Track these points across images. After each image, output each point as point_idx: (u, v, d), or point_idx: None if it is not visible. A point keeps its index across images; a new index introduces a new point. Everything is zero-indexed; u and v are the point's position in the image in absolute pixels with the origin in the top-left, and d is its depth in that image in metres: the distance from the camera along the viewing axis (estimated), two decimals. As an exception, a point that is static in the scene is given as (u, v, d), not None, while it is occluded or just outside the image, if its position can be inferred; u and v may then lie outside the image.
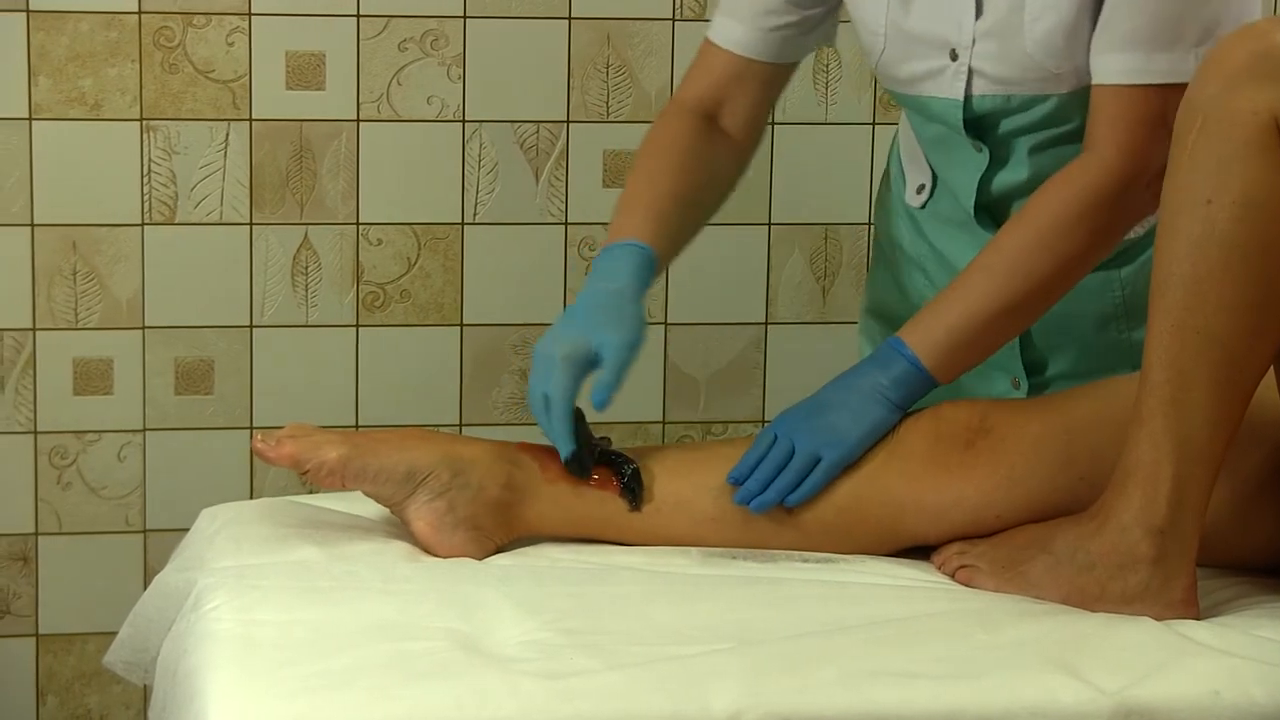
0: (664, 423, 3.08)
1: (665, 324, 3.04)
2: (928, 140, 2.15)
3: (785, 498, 1.90)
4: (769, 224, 3.05)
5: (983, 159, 2.08)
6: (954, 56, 2.03)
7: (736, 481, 1.91)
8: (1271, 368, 1.80)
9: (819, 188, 3.04)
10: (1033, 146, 2.07)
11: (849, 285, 3.08)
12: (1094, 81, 1.97)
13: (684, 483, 1.93)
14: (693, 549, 1.92)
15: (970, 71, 2.03)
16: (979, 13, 2.01)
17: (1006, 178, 2.09)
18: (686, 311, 3.04)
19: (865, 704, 1.60)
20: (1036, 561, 1.83)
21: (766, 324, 3.08)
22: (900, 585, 1.85)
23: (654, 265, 2.02)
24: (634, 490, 1.91)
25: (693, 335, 3.06)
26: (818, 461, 1.90)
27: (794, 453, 1.90)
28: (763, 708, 1.58)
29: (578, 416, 1.93)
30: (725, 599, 1.79)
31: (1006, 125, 2.06)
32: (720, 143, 2.14)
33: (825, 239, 3.07)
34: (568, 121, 2.98)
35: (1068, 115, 2.03)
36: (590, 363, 1.93)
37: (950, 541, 1.91)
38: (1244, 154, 1.71)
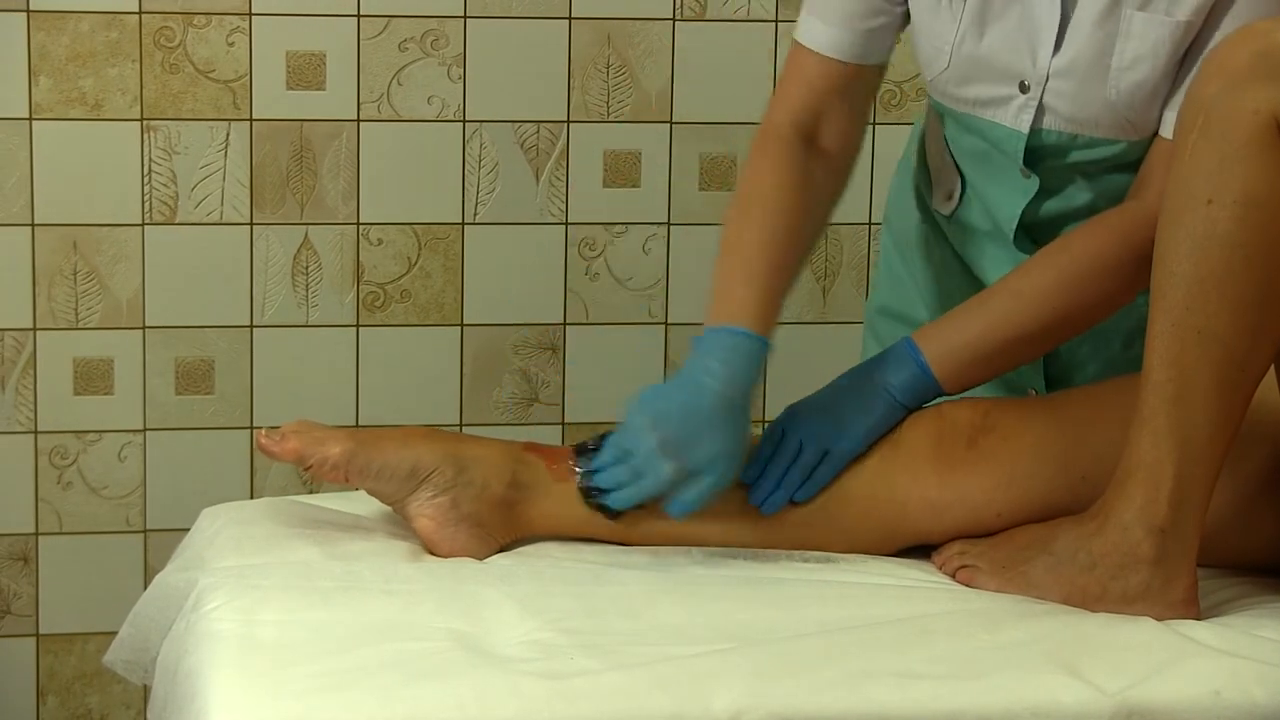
0: (664, 423, 3.07)
1: (666, 324, 3.04)
2: (966, 153, 2.08)
3: (794, 494, 1.90)
4: (769, 224, 3.05)
5: (1031, 185, 2.03)
6: (1024, 89, 1.97)
7: (750, 481, 1.91)
8: (1273, 367, 1.80)
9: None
10: (1092, 179, 2.02)
11: (849, 285, 3.08)
12: (1161, 132, 1.92)
13: (685, 482, 1.93)
14: (694, 549, 1.91)
15: (1041, 106, 1.97)
16: (1058, 47, 1.94)
17: (1057, 205, 2.05)
18: (687, 311, 3.04)
19: (866, 704, 1.60)
20: (1037, 561, 1.83)
21: (767, 324, 3.08)
22: (901, 585, 1.85)
23: (765, 351, 1.90)
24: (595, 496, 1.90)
25: (693, 335, 3.05)
26: (825, 455, 1.90)
27: (802, 448, 1.90)
28: (764, 708, 1.58)
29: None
30: (727, 599, 1.79)
31: (1065, 160, 2.01)
32: (822, 169, 2.02)
33: (825, 239, 3.07)
34: (568, 121, 2.98)
35: (1136, 159, 1.98)
36: (689, 470, 1.85)
37: (951, 540, 1.91)
38: (1245, 154, 1.71)
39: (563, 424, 3.03)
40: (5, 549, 2.96)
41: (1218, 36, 1.88)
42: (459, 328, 3.01)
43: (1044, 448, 1.89)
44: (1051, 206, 2.05)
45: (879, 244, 2.29)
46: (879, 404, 1.92)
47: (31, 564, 2.97)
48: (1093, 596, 1.80)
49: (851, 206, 3.07)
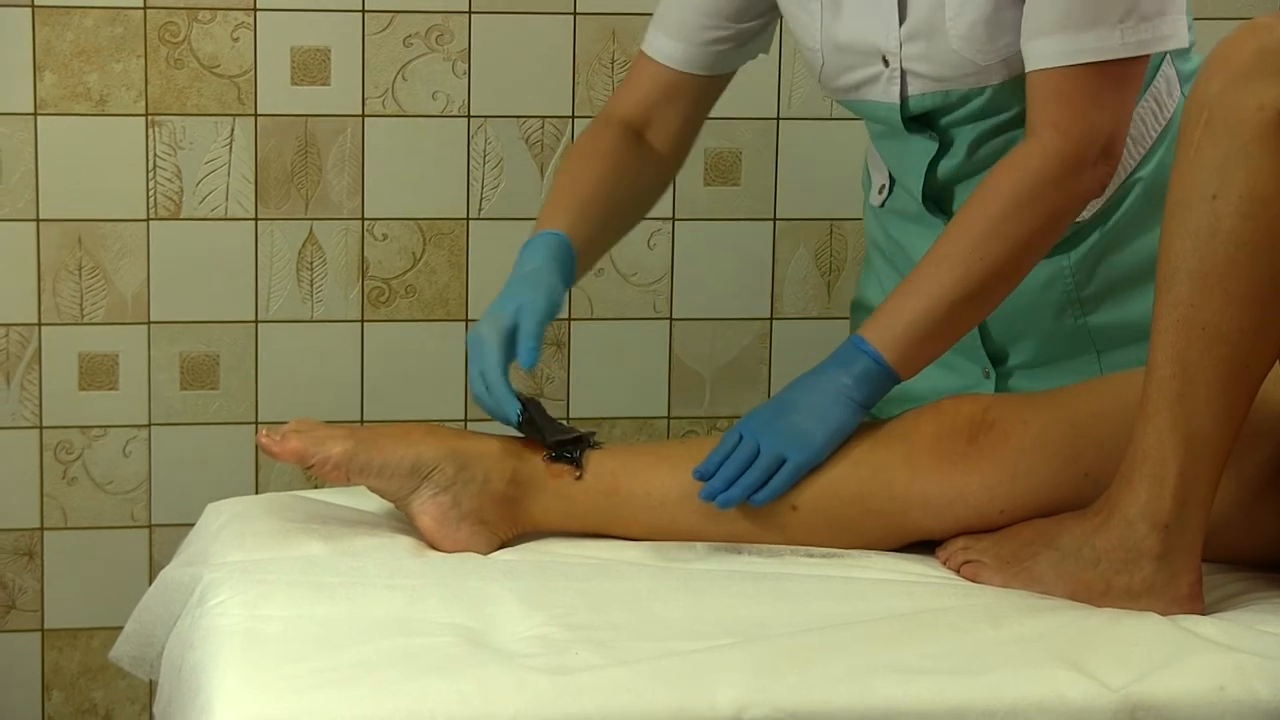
0: (669, 418, 3.08)
1: (670, 319, 3.04)
2: (878, 136, 2.18)
3: (751, 496, 1.90)
4: (774, 219, 3.05)
5: (930, 146, 2.11)
6: (886, 62, 2.07)
7: (701, 477, 1.91)
8: (1278, 362, 1.80)
9: (824, 183, 3.04)
10: (975, 136, 2.09)
11: (854, 280, 3.08)
12: (1027, 68, 1.98)
13: (689, 477, 1.93)
14: (698, 544, 1.92)
15: (904, 74, 2.06)
16: (903, 17, 2.04)
17: (950, 164, 2.12)
18: (691, 306, 3.04)
19: (871, 699, 1.60)
20: (1042, 557, 1.83)
21: (772, 319, 3.08)
22: (905, 580, 1.85)
23: (571, 253, 2.05)
24: (568, 456, 1.92)
25: (698, 330, 3.06)
26: (783, 462, 1.90)
27: (759, 453, 1.90)
28: (768, 703, 1.58)
29: (534, 404, 1.94)
30: (731, 594, 1.79)
31: (947, 119, 2.09)
32: (645, 157, 2.19)
33: (830, 234, 3.07)
34: (573, 116, 2.98)
35: (1005, 104, 2.06)
36: (514, 330, 1.96)
37: (955, 536, 1.91)
38: (1249, 150, 1.71)
39: (568, 418, 3.03)
40: (10, 544, 2.97)
41: None
42: (464, 323, 3.01)
43: (1047, 443, 1.89)
44: (948, 166, 2.12)
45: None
46: (836, 408, 1.92)
47: (36, 559, 2.97)
48: (1097, 592, 1.80)
49: (856, 202, 3.07)
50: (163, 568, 1.90)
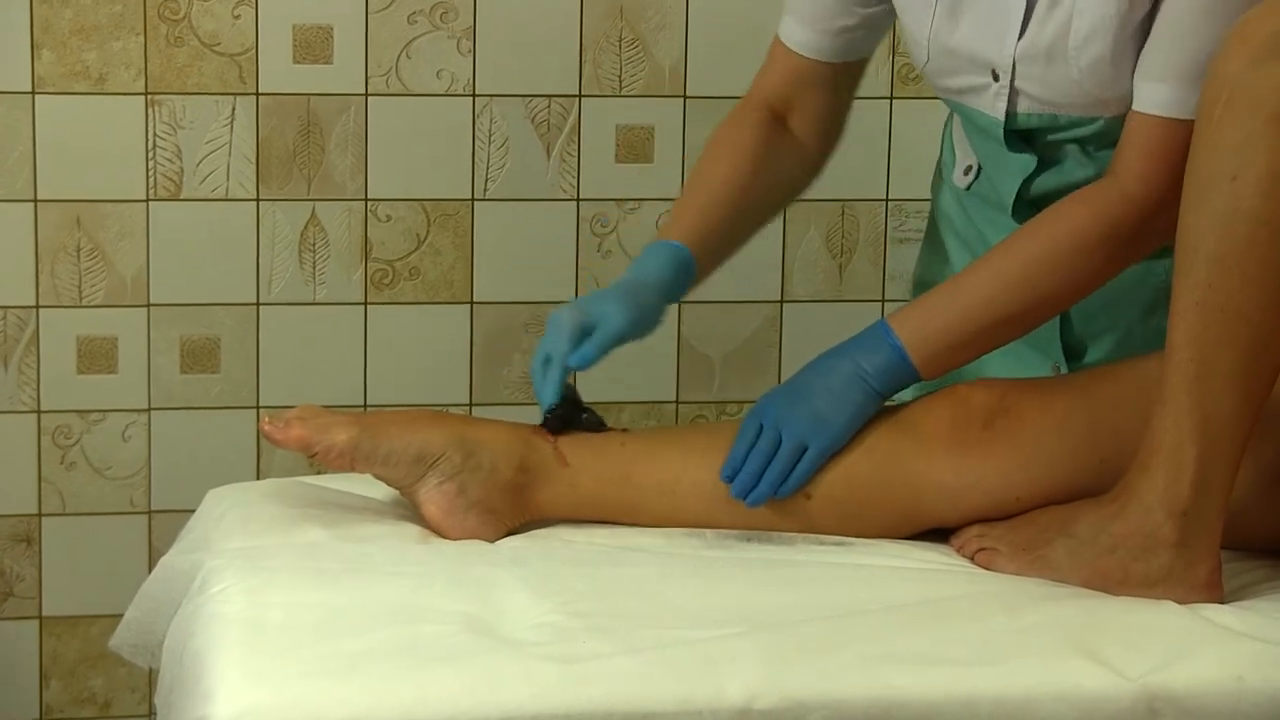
0: (677, 403, 3.08)
1: (679, 302, 3.04)
2: (974, 133, 2.14)
3: (777, 490, 1.90)
4: (785, 200, 3.05)
5: (1028, 162, 2.07)
6: (995, 77, 2.03)
7: (729, 477, 1.91)
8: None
9: (836, 163, 3.02)
10: (1080, 159, 2.06)
11: (866, 263, 3.08)
12: (1133, 107, 1.95)
13: (698, 463, 1.93)
14: (707, 531, 1.92)
15: (1014, 90, 2.02)
16: (1022, 33, 2.00)
17: (1051, 180, 2.08)
18: (700, 289, 3.04)
19: (883, 689, 1.61)
20: (1057, 544, 1.83)
21: (782, 302, 3.08)
22: (919, 568, 1.85)
23: (690, 265, 2.05)
24: (551, 426, 1.94)
25: (707, 313, 3.06)
26: (804, 449, 1.90)
27: (781, 441, 1.90)
28: (778, 692, 1.58)
29: (573, 401, 1.96)
30: (741, 582, 1.79)
31: (1053, 138, 2.05)
32: (787, 145, 2.16)
33: (842, 215, 3.07)
34: (580, 96, 2.98)
35: (1116, 133, 2.00)
36: (589, 331, 1.96)
37: (969, 524, 1.91)
38: (1269, 129, 1.71)
39: (574, 404, 3.03)
40: (8, 530, 2.97)
41: (1167, 3, 1.90)
42: (469, 305, 3.01)
43: (1063, 429, 1.89)
44: (1048, 181, 2.08)
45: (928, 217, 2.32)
46: (855, 393, 1.92)
47: (35, 545, 2.98)
48: (1114, 580, 1.80)
49: (868, 183, 3.07)
50: (162, 554, 1.90)
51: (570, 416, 1.95)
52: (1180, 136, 1.88)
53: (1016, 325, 1.96)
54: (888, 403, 2.00)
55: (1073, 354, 2.16)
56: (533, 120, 2.98)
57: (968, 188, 2.19)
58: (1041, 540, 1.85)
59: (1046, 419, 1.90)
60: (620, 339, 1.97)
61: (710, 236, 2.08)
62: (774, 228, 3.04)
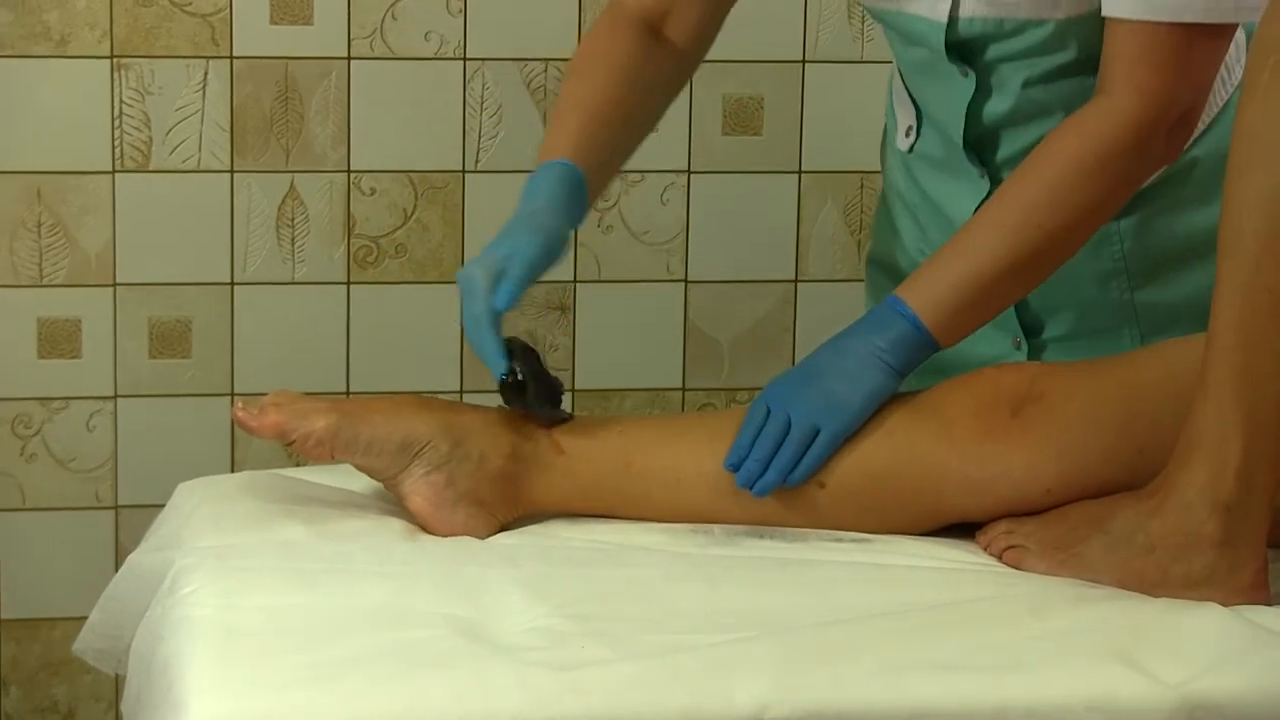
0: (684, 389, 3.09)
1: (685, 281, 3.05)
2: (910, 67, 2.15)
3: (786, 477, 1.90)
4: (799, 172, 3.05)
5: (969, 85, 2.08)
6: None
7: (734, 466, 1.91)
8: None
9: (854, 132, 3.04)
10: (1025, 77, 2.07)
11: (886, 239, 3.08)
12: (1106, 13, 1.95)
13: (705, 450, 1.93)
14: (715, 527, 1.92)
15: None
16: None
17: (996, 107, 2.10)
18: (708, 268, 3.04)
19: (904, 698, 1.61)
20: (1092, 542, 1.83)
21: (796, 281, 3.09)
22: (942, 568, 1.86)
23: (581, 184, 2.03)
24: (513, 391, 1.92)
25: (715, 294, 3.06)
26: (816, 433, 1.90)
27: (790, 425, 1.90)
28: (791, 702, 1.59)
29: (527, 350, 1.93)
30: (751, 582, 1.80)
31: (995, 51, 2.06)
32: (662, 53, 2.15)
33: (861, 188, 3.07)
34: (578, 59, 2.98)
35: (1063, 43, 2.03)
36: (503, 275, 1.94)
37: (996, 519, 1.91)
38: (1321, 96, 1.71)
39: (573, 390, 3.04)
40: (-36, 526, 2.98)
41: None
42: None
43: (1097, 417, 1.89)
44: (993, 109, 2.09)
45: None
46: (870, 372, 1.92)
47: (-7, 543, 2.99)
48: (1152, 581, 1.80)
49: (889, 153, 3.08)
50: (130, 552, 1.91)
51: (528, 380, 1.92)
52: (1164, 38, 1.91)
53: (1029, 273, 1.98)
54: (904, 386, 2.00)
55: (1031, 329, 2.19)
56: (528, 85, 2.98)
57: (910, 149, 2.21)
58: (1074, 537, 1.85)
59: (1079, 405, 1.90)
60: (534, 267, 1.95)
61: (596, 151, 2.07)
62: (788, 201, 3.05)
